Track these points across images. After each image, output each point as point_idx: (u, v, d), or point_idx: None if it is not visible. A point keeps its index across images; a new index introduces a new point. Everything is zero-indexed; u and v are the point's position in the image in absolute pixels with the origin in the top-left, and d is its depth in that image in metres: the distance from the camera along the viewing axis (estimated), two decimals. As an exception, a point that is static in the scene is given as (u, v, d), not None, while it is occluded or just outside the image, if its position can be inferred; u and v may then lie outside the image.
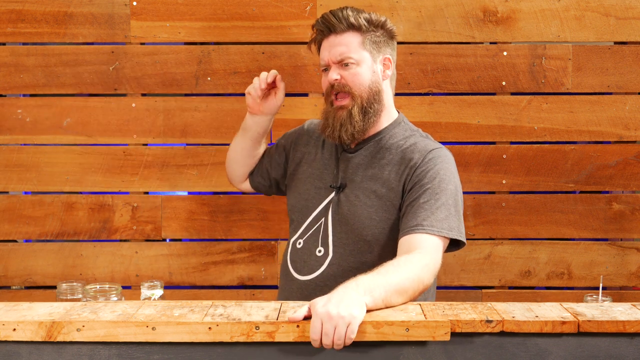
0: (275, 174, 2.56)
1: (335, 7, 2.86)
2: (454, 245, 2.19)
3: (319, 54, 2.34)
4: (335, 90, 2.27)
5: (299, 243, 2.32)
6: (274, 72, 2.42)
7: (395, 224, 2.22)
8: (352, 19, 2.25)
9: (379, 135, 2.33)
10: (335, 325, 1.71)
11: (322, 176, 2.36)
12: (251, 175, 2.61)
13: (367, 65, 2.27)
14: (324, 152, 2.40)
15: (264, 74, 2.41)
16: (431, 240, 2.09)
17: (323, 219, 2.30)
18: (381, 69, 2.30)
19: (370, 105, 2.27)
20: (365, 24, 2.25)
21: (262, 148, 2.59)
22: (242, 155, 2.58)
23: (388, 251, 2.20)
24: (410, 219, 2.13)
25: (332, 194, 2.32)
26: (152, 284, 2.31)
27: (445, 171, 2.21)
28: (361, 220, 2.24)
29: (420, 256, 2.02)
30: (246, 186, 2.65)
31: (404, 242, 2.11)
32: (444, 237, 2.12)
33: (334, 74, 2.26)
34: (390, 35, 2.33)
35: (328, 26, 2.26)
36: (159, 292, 2.31)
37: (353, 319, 1.72)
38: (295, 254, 2.32)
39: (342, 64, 2.25)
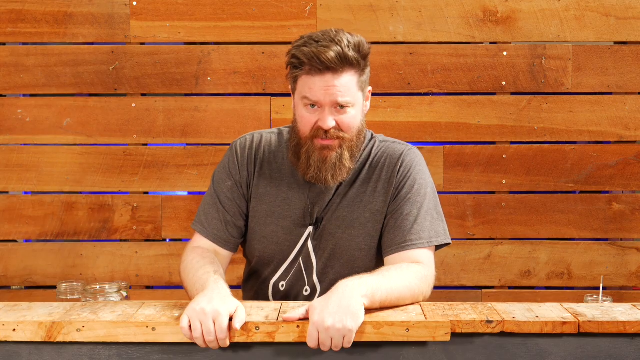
0: (244, 221, 2.23)
1: (335, 8, 2.88)
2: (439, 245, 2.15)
3: (294, 83, 2.06)
4: (330, 137, 2.04)
5: (282, 285, 2.18)
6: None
7: (380, 245, 2.14)
8: (351, 57, 1.99)
9: None
10: (331, 337, 1.71)
11: (285, 214, 2.14)
12: (231, 248, 2.23)
13: (359, 105, 2.07)
14: (280, 187, 2.16)
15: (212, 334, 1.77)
16: (423, 253, 2.05)
17: (303, 258, 2.16)
18: (365, 105, 2.14)
19: (357, 146, 2.10)
20: (362, 60, 2.02)
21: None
22: None
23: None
24: (397, 234, 2.06)
25: (308, 231, 2.15)
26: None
27: (421, 175, 2.12)
28: (349, 252, 2.13)
29: (420, 268, 1.99)
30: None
31: (395, 259, 2.05)
32: (433, 245, 2.08)
33: (330, 120, 2.02)
34: (369, 61, 2.09)
35: (327, 65, 1.98)
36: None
37: (348, 332, 1.71)
38: (279, 296, 2.20)
39: (339, 106, 2.02)
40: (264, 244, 2.17)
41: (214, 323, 1.72)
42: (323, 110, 2.02)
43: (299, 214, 2.14)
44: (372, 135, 2.20)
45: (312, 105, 2.03)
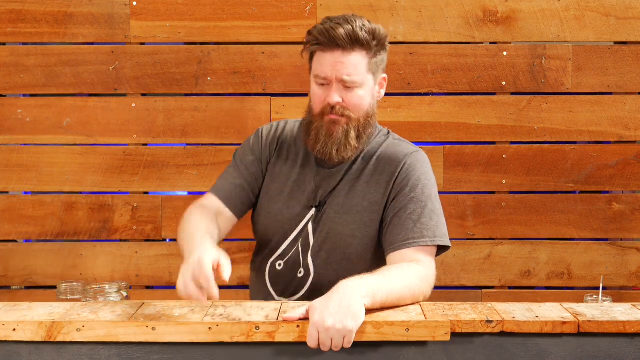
0: (256, 194, 2.29)
1: (335, 8, 2.88)
2: (440, 248, 2.14)
3: (310, 61, 2.14)
4: (336, 113, 2.10)
5: (279, 265, 2.21)
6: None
7: (378, 237, 2.15)
8: (362, 38, 2.05)
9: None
10: (331, 337, 1.72)
11: (294, 194, 2.21)
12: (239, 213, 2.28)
13: (369, 88, 2.12)
14: (294, 168, 2.24)
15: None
16: (425, 252, 2.06)
17: (302, 240, 2.19)
18: (377, 90, 2.18)
19: (364, 129, 2.14)
20: (374, 43, 2.09)
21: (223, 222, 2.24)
22: None
23: (370, 265, 2.11)
24: (400, 232, 2.07)
25: (311, 213, 2.19)
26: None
27: (426, 175, 2.15)
28: (343, 238, 2.15)
29: (421, 268, 2.00)
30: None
31: (396, 257, 2.06)
32: (435, 245, 2.09)
33: (336, 96, 2.09)
34: (386, 48, 2.16)
35: (336, 41, 2.05)
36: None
37: (348, 332, 1.72)
38: (276, 276, 2.22)
39: (345, 85, 2.08)
40: (269, 220, 2.23)
41: (200, 267, 1.82)
42: (331, 86, 2.10)
43: (306, 196, 2.20)
44: (388, 131, 2.27)
45: (323, 83, 2.11)
